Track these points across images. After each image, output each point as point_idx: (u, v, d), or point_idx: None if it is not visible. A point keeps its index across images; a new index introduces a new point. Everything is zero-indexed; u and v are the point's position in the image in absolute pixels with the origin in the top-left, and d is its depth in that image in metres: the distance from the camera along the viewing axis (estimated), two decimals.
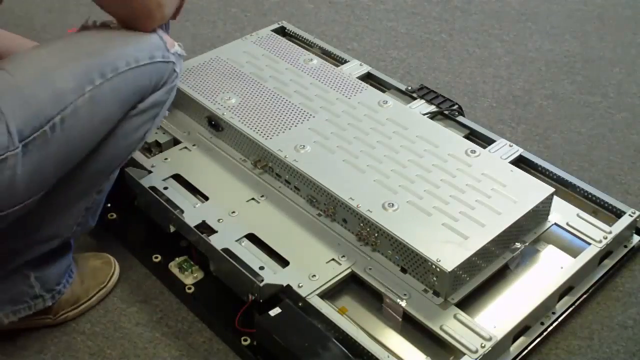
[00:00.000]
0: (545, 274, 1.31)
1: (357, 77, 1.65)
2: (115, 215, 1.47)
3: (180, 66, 1.25)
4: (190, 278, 1.34)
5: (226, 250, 1.26)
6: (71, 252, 1.30)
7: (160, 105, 1.22)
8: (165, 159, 1.48)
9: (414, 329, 1.21)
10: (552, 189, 1.34)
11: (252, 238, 1.32)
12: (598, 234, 1.35)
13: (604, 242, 1.34)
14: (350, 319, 1.22)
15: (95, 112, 1.11)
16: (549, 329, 1.28)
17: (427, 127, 1.48)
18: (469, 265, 1.22)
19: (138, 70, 1.16)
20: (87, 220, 1.26)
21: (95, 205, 1.25)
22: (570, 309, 1.31)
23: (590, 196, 1.46)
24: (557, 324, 1.29)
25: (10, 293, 1.23)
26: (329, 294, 1.25)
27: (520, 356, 1.23)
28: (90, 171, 1.19)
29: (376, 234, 1.27)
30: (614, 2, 2.30)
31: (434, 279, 1.21)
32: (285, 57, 1.65)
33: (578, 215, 1.39)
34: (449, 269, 1.18)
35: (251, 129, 1.45)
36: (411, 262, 1.24)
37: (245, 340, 1.24)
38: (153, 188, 1.38)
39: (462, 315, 1.19)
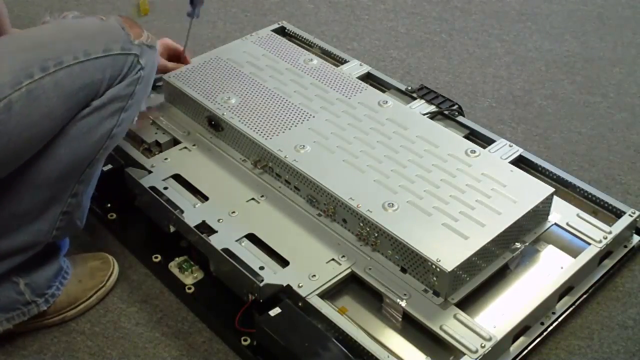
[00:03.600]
0: (545, 274, 1.31)
1: (357, 77, 1.65)
2: (115, 215, 1.47)
3: (150, 57, 1.21)
4: (190, 278, 1.34)
5: (226, 250, 1.26)
6: (61, 255, 1.30)
7: (122, 100, 1.18)
8: (165, 159, 1.48)
9: (414, 329, 1.21)
10: (552, 189, 1.34)
11: (252, 238, 1.32)
12: (598, 234, 1.35)
13: (604, 242, 1.34)
14: (350, 319, 1.22)
15: (33, 107, 1.08)
16: (549, 329, 1.27)
17: (427, 127, 1.48)
18: (469, 265, 1.22)
19: (88, 64, 1.12)
20: (70, 224, 1.24)
21: (74, 208, 1.22)
22: (570, 309, 1.31)
23: (590, 196, 1.46)
24: (557, 324, 1.29)
25: (1, 301, 1.22)
26: (329, 294, 1.25)
27: (520, 356, 1.23)
28: (52, 175, 1.16)
29: (376, 234, 1.27)
30: (614, 2, 2.30)
31: (434, 279, 1.21)
32: (285, 57, 1.65)
33: (578, 215, 1.39)
34: (449, 269, 1.18)
35: (251, 129, 1.45)
36: (411, 262, 1.24)
37: (245, 340, 1.24)
38: (153, 188, 1.38)
39: (462, 315, 1.19)
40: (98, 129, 1.17)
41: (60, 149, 1.15)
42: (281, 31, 1.86)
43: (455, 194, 1.31)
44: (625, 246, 1.42)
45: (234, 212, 1.36)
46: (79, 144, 1.16)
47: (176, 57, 1.62)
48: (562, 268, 1.31)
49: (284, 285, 1.22)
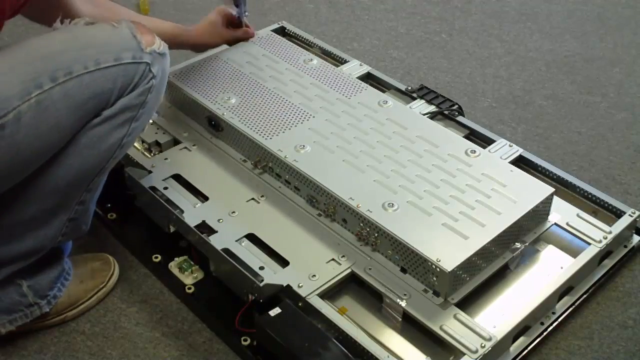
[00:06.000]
0: (545, 274, 1.31)
1: (357, 77, 1.65)
2: (115, 215, 1.47)
3: (161, 65, 1.19)
4: (190, 278, 1.34)
5: (226, 250, 1.26)
6: (64, 257, 1.30)
7: (133, 109, 1.17)
8: (165, 159, 1.48)
9: (414, 329, 1.21)
10: (552, 189, 1.34)
11: (252, 238, 1.32)
12: (598, 234, 1.35)
13: (604, 242, 1.34)
14: (350, 319, 1.22)
15: (42, 118, 1.07)
16: (549, 329, 1.28)
17: (427, 127, 1.48)
18: (469, 265, 1.22)
19: (98, 74, 1.11)
20: (75, 229, 1.24)
21: (81, 214, 1.23)
22: (570, 309, 1.31)
23: (590, 196, 1.46)
24: (557, 324, 1.29)
25: (4, 303, 1.23)
26: (329, 294, 1.25)
27: (520, 356, 1.23)
28: (60, 183, 1.15)
29: (376, 234, 1.27)
30: (614, 2, 2.30)
31: (434, 279, 1.21)
32: (285, 57, 1.65)
33: (578, 215, 1.39)
34: (449, 269, 1.18)
35: (251, 129, 1.45)
36: (411, 262, 1.24)
37: (245, 340, 1.24)
38: (153, 188, 1.38)
39: (462, 315, 1.19)
40: (108, 139, 1.16)
41: (70, 158, 1.14)
42: (281, 31, 1.86)
43: (455, 194, 1.31)
44: (625, 246, 1.42)
45: (234, 212, 1.36)
46: (89, 153, 1.15)
47: (234, 24, 1.61)
48: (562, 268, 1.31)
49: (284, 285, 1.22)
